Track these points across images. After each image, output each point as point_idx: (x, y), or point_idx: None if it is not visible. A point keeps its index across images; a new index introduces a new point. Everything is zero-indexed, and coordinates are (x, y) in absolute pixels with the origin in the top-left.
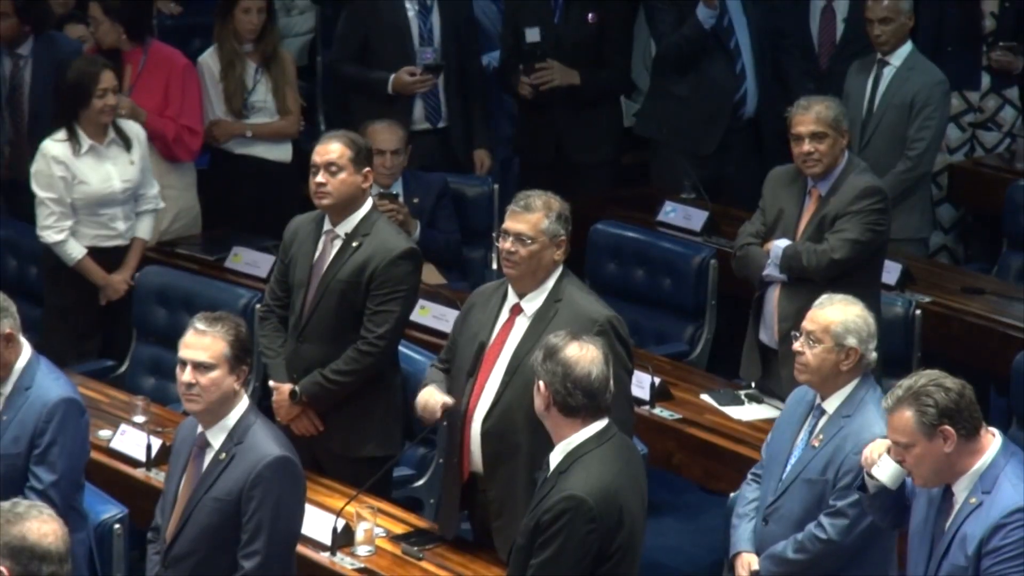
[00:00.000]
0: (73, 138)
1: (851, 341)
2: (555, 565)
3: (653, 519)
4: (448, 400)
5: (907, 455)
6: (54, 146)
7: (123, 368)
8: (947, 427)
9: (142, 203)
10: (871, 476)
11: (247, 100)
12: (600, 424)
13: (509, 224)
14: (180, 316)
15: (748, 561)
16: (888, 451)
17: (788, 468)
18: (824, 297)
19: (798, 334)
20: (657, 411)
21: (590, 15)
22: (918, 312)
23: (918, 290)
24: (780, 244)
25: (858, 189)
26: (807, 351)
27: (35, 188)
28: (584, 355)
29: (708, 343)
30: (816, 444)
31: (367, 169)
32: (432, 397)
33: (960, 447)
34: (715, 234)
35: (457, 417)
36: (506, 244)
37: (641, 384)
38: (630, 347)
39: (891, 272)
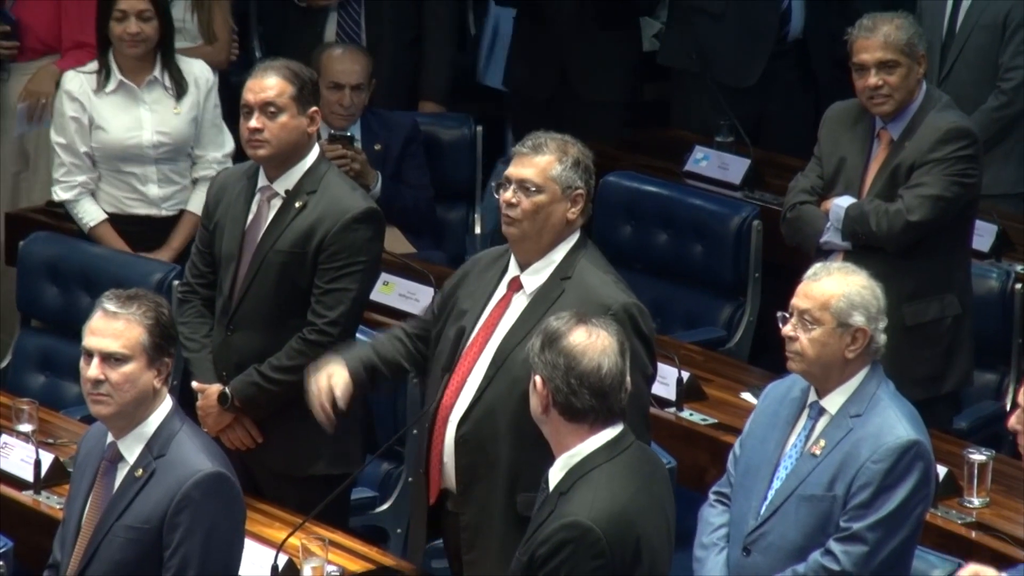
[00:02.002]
0: (103, 71)
1: (858, 319)
2: None
3: (681, 552)
4: (339, 389)
5: None
6: (73, 79)
7: (3, 363)
8: None
9: (200, 167)
10: None
11: None
12: (612, 432)
13: (512, 169)
14: (76, 296)
15: None
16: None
17: (777, 482)
18: (817, 267)
19: (787, 315)
20: (686, 414)
21: None
22: (1018, 286)
23: (1017, 258)
24: (842, 203)
25: (940, 131)
26: (801, 336)
27: (51, 130)
28: (593, 343)
29: (750, 327)
30: (817, 452)
31: (313, 109)
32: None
33: None
34: (759, 188)
35: (427, 419)
36: (507, 194)
37: (665, 380)
38: (652, 345)
39: (983, 236)
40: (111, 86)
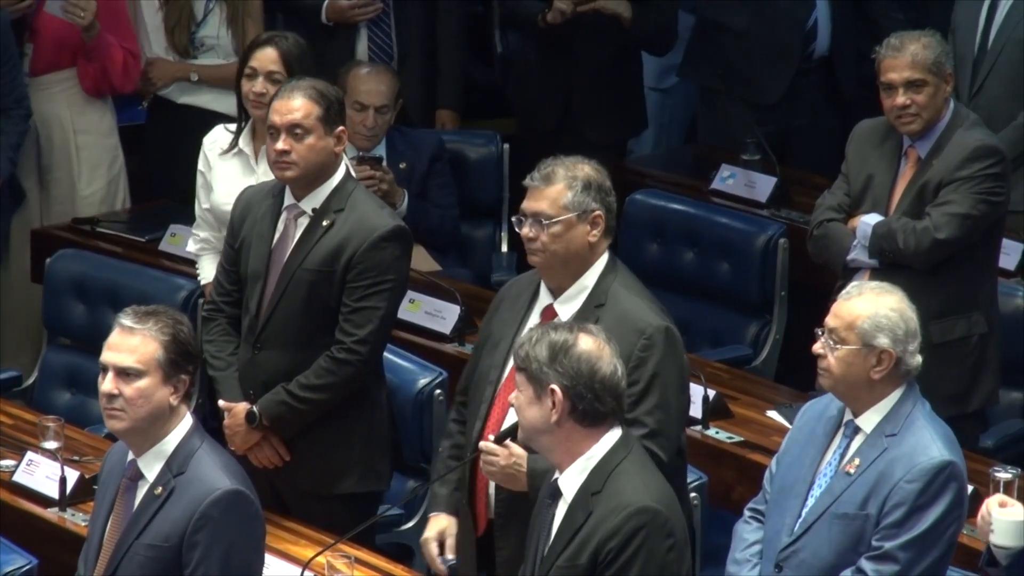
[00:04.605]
0: (239, 131)
1: (882, 341)
2: None
3: (714, 568)
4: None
5: None
6: (211, 134)
7: (30, 380)
8: None
9: None
10: (995, 545)
11: (195, 35)
12: (617, 431)
13: (527, 203)
14: (102, 313)
15: None
16: (999, 504)
17: (811, 500)
18: (852, 286)
19: (821, 331)
20: (712, 432)
21: None
22: None
23: None
24: (869, 220)
25: (968, 149)
26: (829, 354)
27: None
28: (603, 347)
29: (777, 345)
30: (851, 470)
31: (340, 128)
32: (431, 546)
33: None
34: (785, 206)
35: (468, 449)
36: (525, 230)
37: (691, 398)
38: (686, 369)
39: (1010, 254)
40: (236, 148)
